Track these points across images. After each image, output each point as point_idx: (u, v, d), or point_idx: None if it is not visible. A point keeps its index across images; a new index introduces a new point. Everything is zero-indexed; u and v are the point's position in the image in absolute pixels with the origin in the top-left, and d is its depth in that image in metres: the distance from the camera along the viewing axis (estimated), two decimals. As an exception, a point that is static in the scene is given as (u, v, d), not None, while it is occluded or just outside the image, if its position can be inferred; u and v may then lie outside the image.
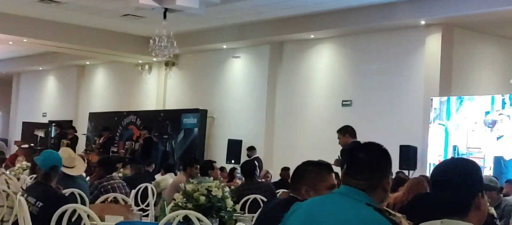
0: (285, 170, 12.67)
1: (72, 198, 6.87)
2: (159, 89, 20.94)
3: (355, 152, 2.85)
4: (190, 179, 5.97)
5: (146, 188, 9.87)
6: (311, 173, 3.96)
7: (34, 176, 9.63)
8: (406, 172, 12.40)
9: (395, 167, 11.94)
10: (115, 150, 19.33)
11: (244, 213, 7.18)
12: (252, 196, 7.92)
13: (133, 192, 9.37)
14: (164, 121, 19.62)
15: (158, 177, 11.44)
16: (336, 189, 2.89)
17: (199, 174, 8.81)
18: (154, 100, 21.02)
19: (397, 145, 13.19)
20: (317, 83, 16.44)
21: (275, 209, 3.93)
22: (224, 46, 18.49)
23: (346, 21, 15.31)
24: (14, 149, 22.81)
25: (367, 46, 15.47)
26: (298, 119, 16.75)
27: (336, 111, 15.77)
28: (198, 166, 9.49)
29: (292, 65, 17.05)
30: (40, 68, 25.56)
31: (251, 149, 16.19)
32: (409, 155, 13.45)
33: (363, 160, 2.81)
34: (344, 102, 15.78)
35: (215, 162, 10.50)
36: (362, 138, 3.39)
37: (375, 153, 2.84)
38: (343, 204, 2.72)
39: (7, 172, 7.21)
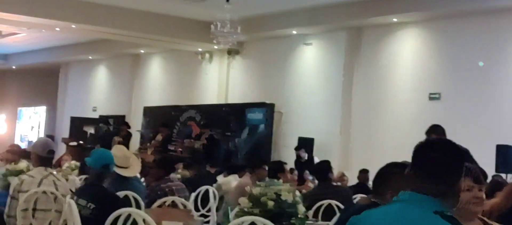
0: (363, 172, 12.62)
1: (126, 201, 7.00)
2: (221, 81, 21.07)
3: (425, 152, 2.81)
4: (257, 182, 6.00)
5: (207, 191, 9.96)
6: (397, 176, 3.93)
7: (84, 177, 9.85)
8: (503, 175, 12.18)
9: (491, 170, 11.79)
10: (173, 148, 19.55)
11: (317, 220, 7.18)
12: (326, 202, 7.91)
13: (193, 195, 9.46)
14: (227, 116, 19.75)
15: (220, 179, 11.52)
16: (400, 196, 2.84)
17: (267, 177, 8.83)
18: (215, 93, 21.16)
19: (493, 144, 12.98)
20: (401, 74, 16.27)
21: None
22: (294, 32, 18.48)
23: (434, 3, 15.09)
24: (61, 146, 23.33)
25: (458, 32, 15.22)
26: (379, 115, 16.61)
27: (423, 106, 15.59)
28: (266, 167, 9.50)
29: (371, 53, 16.92)
30: (90, 57, 26.02)
31: (300, 149, 16.20)
32: (507, 156, 13.21)
33: (433, 161, 2.76)
34: (431, 96, 15.57)
35: (285, 163, 10.47)
36: (453, 137, 3.33)
37: (449, 153, 2.79)
38: (407, 215, 2.68)
39: (55, 173, 7.37)
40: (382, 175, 4.08)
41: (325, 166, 8.89)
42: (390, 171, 4.01)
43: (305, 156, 16.41)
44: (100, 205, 5.86)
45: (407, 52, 16.22)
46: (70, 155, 17.61)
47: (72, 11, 18.25)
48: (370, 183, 12.56)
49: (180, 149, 19.11)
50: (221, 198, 10.39)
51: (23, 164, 8.36)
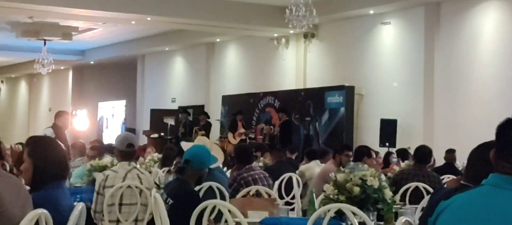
0: (450, 152, 12.45)
1: (210, 192, 7.08)
2: (298, 65, 21.05)
3: (506, 130, 2.73)
4: (340, 168, 5.98)
5: (290, 178, 9.99)
6: (486, 158, 3.85)
7: (167, 169, 10.01)
8: None
9: None
10: (253, 136, 19.66)
11: (405, 204, 7.12)
12: (413, 184, 7.83)
13: (276, 183, 9.51)
14: (306, 101, 19.73)
15: (302, 165, 11.53)
16: (486, 180, 2.76)
17: (351, 161, 8.80)
18: (293, 78, 21.16)
19: None
20: (483, 49, 15.94)
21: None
22: (371, 12, 18.32)
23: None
24: (142, 139, 23.74)
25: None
26: (462, 92, 16.33)
27: (508, 81, 15.25)
28: (350, 153, 9.46)
29: (452, 29, 16.63)
30: (166, 48, 26.35)
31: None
32: None
33: None
34: (517, 71, 15.24)
35: (370, 148, 10.37)
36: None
37: None
38: (495, 198, 2.61)
39: (138, 166, 7.51)
40: (471, 157, 4.01)
41: (427, 151, 8.82)
42: (480, 152, 3.93)
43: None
44: (177, 201, 5.92)
45: (490, 26, 15.88)
46: (152, 146, 17.91)
47: (147, 3, 18.52)
48: (458, 162, 12.42)
49: (260, 136, 19.22)
50: (305, 185, 10.41)
51: (107, 159, 8.52)
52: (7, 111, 38.57)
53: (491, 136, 2.86)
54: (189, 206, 5.47)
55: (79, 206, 4.54)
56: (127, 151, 7.01)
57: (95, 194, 6.86)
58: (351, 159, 9.20)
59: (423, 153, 8.67)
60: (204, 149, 6.42)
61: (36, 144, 4.79)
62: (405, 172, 8.55)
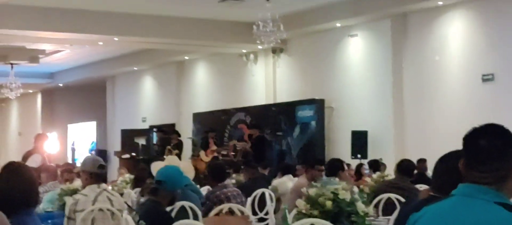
0: (421, 162, 12.50)
1: (183, 212, 7.04)
2: (268, 81, 21.07)
3: (474, 139, 2.73)
4: (312, 183, 5.97)
5: (263, 194, 9.96)
6: (454, 167, 3.86)
7: (139, 189, 9.93)
8: None
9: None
10: (225, 153, 19.61)
11: (378, 216, 7.13)
12: (385, 195, 7.85)
13: (249, 200, 9.48)
14: (277, 116, 19.75)
15: (275, 180, 11.51)
16: (456, 189, 2.77)
17: (321, 176, 8.80)
18: (263, 93, 21.17)
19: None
20: (450, 57, 16.07)
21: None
22: (338, 25, 18.39)
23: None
24: (114, 160, 23.60)
25: (509, 9, 14.96)
26: (431, 101, 16.44)
27: (476, 88, 15.37)
28: (322, 167, 9.41)
29: (418, 39, 16.75)
30: (135, 68, 26.27)
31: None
32: None
33: (485, 148, 2.68)
34: (484, 77, 15.33)
35: (343, 161, 10.36)
36: (509, 119, 3.25)
37: (500, 137, 2.71)
38: (467, 208, 2.62)
39: (109, 188, 7.44)
40: (437, 168, 4.01)
41: (412, 164, 8.87)
42: (446, 162, 3.93)
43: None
44: (150, 224, 5.87)
45: (456, 35, 16.01)
46: (124, 167, 17.79)
47: (114, 24, 18.43)
48: (429, 172, 12.47)
49: (233, 153, 19.17)
50: (278, 200, 10.39)
51: (77, 182, 8.45)
52: (-23, 137, 38.20)
53: (461, 145, 2.85)
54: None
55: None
56: (98, 173, 6.92)
57: (66, 219, 6.78)
58: (323, 173, 9.19)
59: (408, 166, 8.72)
60: (176, 169, 6.39)
61: (3, 171, 4.71)
62: (388, 184, 8.56)
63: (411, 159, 12.98)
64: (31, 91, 31.23)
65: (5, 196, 4.49)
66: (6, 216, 4.44)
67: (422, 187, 9.89)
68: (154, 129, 22.91)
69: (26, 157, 12.53)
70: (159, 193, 6.10)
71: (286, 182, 10.78)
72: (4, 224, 3.95)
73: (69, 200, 6.92)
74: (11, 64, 23.07)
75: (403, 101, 17.01)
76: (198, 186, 9.83)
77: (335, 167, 9.05)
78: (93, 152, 27.65)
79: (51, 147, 29.31)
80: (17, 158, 14.46)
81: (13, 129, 35.07)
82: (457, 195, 2.72)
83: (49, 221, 7.03)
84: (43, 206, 8.36)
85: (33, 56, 23.01)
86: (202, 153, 19.76)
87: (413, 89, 16.84)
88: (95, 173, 6.89)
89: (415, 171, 12.26)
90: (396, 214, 6.39)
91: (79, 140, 30.62)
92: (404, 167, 8.68)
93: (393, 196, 7.80)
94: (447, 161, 3.89)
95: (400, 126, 16.97)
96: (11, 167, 4.80)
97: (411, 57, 16.89)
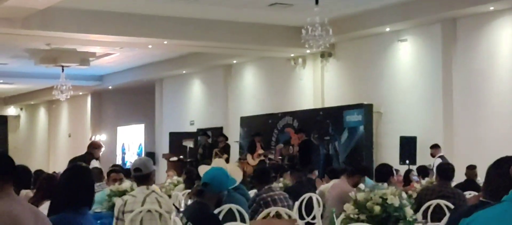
0: (470, 168, 12.36)
1: (230, 215, 7.06)
2: (316, 85, 21.03)
3: None
4: (360, 187, 5.95)
5: (310, 198, 9.94)
6: (506, 173, 3.80)
7: (188, 191, 10.00)
8: None
9: None
10: (272, 157, 19.63)
11: (427, 222, 7.06)
12: (434, 202, 7.77)
13: (297, 203, 9.47)
14: (324, 120, 19.69)
15: (322, 185, 11.48)
16: (508, 195, 2.75)
17: (362, 183, 8.69)
18: (311, 97, 21.13)
19: None
20: (502, 63, 15.86)
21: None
22: (387, 29, 18.29)
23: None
24: (162, 162, 23.76)
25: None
26: (481, 107, 16.24)
27: (527, 94, 15.18)
28: (359, 176, 9.13)
29: (469, 44, 16.57)
30: (184, 71, 26.41)
31: (435, 147, 16.01)
32: None
33: None
34: (536, 83, 15.13)
35: (392, 167, 10.23)
36: None
37: None
38: None
39: (158, 190, 7.50)
40: (489, 173, 3.95)
41: (451, 167, 8.76)
42: (498, 168, 3.87)
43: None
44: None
45: (507, 40, 15.80)
46: (172, 170, 17.93)
47: (163, 27, 18.56)
48: (479, 178, 12.33)
49: (279, 157, 19.19)
50: (325, 205, 10.35)
51: (126, 183, 8.52)
52: (27, 138, 38.78)
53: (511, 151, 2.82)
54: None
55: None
56: (135, 175, 7.04)
57: (114, 219, 6.86)
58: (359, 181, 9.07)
59: (446, 170, 8.61)
60: (222, 171, 6.39)
61: (72, 171, 4.99)
62: (430, 189, 8.48)
63: (460, 165, 12.94)
64: (81, 93, 31.60)
65: (73, 195, 4.71)
66: (65, 213, 4.59)
67: (471, 193, 9.83)
68: (202, 132, 23.00)
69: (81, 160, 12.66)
70: (205, 195, 6.11)
71: (334, 187, 10.71)
72: (43, 221, 4.04)
73: (117, 201, 6.99)
74: (62, 66, 23.37)
75: (452, 107, 16.83)
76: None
77: (385, 173, 8.97)
78: (141, 155, 27.89)
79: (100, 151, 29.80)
80: (66, 159, 14.64)
81: (63, 131, 35.51)
82: (508, 201, 2.69)
83: (98, 221, 7.10)
84: (92, 206, 8.45)
85: (84, 58, 23.31)
86: (249, 156, 19.82)
87: (463, 95, 16.65)
88: (134, 175, 7.04)
89: (465, 178, 12.25)
90: (445, 220, 6.34)
91: (127, 142, 30.90)
92: (442, 170, 8.59)
93: (442, 202, 7.72)
94: (501, 166, 3.83)
95: (449, 132, 16.80)
96: (80, 168, 5.09)
97: (461, 62, 16.71)
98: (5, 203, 3.80)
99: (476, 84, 16.37)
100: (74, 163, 5.34)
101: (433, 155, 15.65)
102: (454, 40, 16.87)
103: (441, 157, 15.36)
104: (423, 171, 13.04)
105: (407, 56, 18.17)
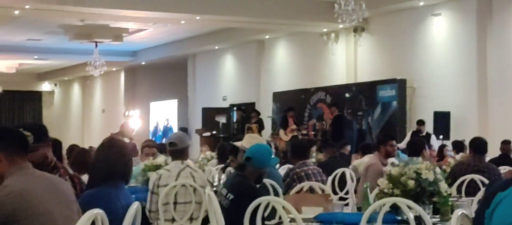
0: (505, 143, 12.30)
1: (264, 189, 7.09)
2: (349, 60, 20.95)
3: None
4: (393, 161, 5.94)
5: (343, 173, 9.95)
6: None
7: (221, 166, 10.06)
8: None
9: None
10: (305, 132, 19.64)
11: (461, 196, 7.04)
12: (469, 176, 7.74)
13: (330, 178, 9.48)
14: (357, 96, 19.64)
15: (355, 160, 11.49)
16: None
17: (394, 152, 8.66)
18: (343, 72, 21.06)
19: None
20: (538, 37, 15.70)
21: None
22: (421, 4, 18.13)
23: None
24: (195, 137, 23.88)
25: None
26: (516, 82, 16.11)
27: None
28: (393, 142, 8.99)
29: (504, 19, 16.38)
30: (216, 47, 26.43)
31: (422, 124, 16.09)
32: None
33: None
34: None
35: (424, 141, 10.14)
36: None
37: None
38: None
39: (192, 164, 7.55)
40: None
41: (484, 141, 8.71)
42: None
43: (424, 131, 16.23)
44: (238, 196, 5.96)
45: (544, 14, 15.62)
46: (206, 145, 18.02)
47: (196, 3, 18.59)
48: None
49: (312, 132, 19.19)
50: (358, 180, 10.36)
51: (160, 158, 8.58)
52: (62, 114, 39.12)
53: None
54: (250, 201, 5.46)
55: (135, 205, 4.58)
56: (170, 150, 7.12)
57: (149, 193, 6.92)
58: (396, 148, 9.03)
59: (480, 144, 8.56)
60: (266, 148, 6.44)
61: (108, 145, 5.02)
62: (464, 164, 8.46)
63: (495, 140, 12.86)
64: (114, 69, 31.75)
65: (110, 169, 4.79)
66: (103, 187, 4.66)
67: (505, 168, 9.78)
68: (234, 108, 23.04)
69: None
70: (246, 170, 6.18)
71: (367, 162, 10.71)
72: (71, 195, 4.08)
73: (152, 175, 7.05)
74: (96, 42, 23.52)
75: (487, 82, 16.68)
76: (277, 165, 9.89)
77: (418, 147, 8.92)
78: (175, 130, 28.02)
79: (133, 124, 30.01)
80: (100, 134, 14.83)
81: (96, 106, 35.77)
82: None
83: (133, 195, 7.16)
84: (129, 181, 8.54)
85: (117, 34, 23.42)
86: (281, 132, 19.84)
87: (497, 70, 16.49)
88: (169, 150, 7.14)
89: (499, 153, 12.18)
90: (480, 195, 6.32)
91: (161, 117, 31.05)
92: (476, 145, 8.54)
93: (477, 177, 7.69)
94: None
95: (483, 107, 16.66)
96: (117, 143, 5.13)
97: (496, 37, 16.53)
98: (14, 181, 3.81)
99: (511, 60, 16.20)
100: (112, 138, 5.34)
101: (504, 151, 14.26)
102: (489, 14, 16.69)
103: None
104: (458, 146, 12.97)
105: (441, 31, 18.02)
